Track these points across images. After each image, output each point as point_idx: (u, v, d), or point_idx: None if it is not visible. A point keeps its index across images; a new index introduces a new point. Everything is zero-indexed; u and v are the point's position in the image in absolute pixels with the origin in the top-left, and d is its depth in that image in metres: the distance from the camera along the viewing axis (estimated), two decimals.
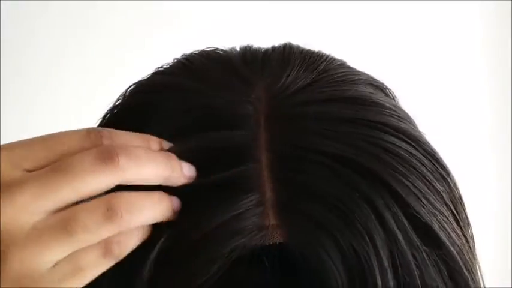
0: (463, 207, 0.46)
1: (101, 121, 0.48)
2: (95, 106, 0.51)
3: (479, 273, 0.45)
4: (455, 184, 0.46)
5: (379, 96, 0.47)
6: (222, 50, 0.51)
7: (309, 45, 0.51)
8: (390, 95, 0.51)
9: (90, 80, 1.27)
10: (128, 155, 0.39)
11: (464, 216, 0.46)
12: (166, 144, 0.42)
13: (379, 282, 0.39)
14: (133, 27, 1.34)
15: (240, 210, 0.40)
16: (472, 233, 0.47)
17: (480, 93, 1.47)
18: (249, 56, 0.49)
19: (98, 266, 0.39)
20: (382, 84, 0.50)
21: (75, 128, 0.41)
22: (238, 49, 0.51)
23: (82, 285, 0.38)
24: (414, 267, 0.40)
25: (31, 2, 1.30)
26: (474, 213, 0.50)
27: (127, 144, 0.40)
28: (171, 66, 0.50)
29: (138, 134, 0.42)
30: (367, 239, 0.39)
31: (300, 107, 0.44)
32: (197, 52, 0.51)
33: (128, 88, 0.49)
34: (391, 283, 0.39)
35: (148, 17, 1.34)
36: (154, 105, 0.45)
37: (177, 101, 0.44)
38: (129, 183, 0.39)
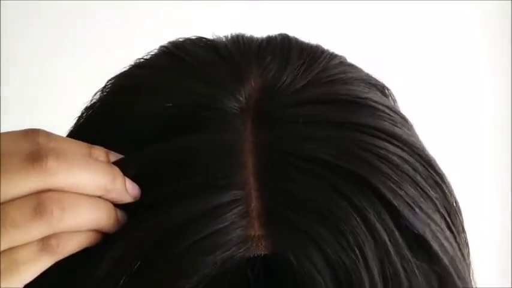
0: (457, 213, 0.45)
1: (78, 119, 0.47)
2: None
3: (472, 281, 0.44)
4: (449, 190, 0.44)
5: (374, 97, 0.45)
6: (208, 38, 0.48)
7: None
8: (388, 94, 0.49)
9: (90, 79, 1.27)
10: (58, 157, 0.37)
11: (458, 222, 0.45)
12: (114, 156, 0.41)
13: None
14: (133, 26, 1.33)
15: (225, 224, 0.38)
16: (466, 238, 0.46)
17: (481, 93, 1.47)
18: (242, 47, 0.47)
19: (36, 261, 0.38)
20: (380, 83, 0.48)
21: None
22: (229, 37, 0.48)
23: (21, 283, 0.38)
24: (404, 279, 0.39)
25: (31, 2, 1.30)
26: (474, 213, 0.49)
27: (62, 148, 0.39)
28: (153, 57, 0.48)
29: (79, 141, 0.41)
30: (357, 251, 0.38)
31: (290, 109, 0.42)
32: (182, 41, 0.48)
33: (106, 84, 0.47)
34: None
35: (149, 15, 1.34)
36: (127, 107, 0.43)
37: (155, 101, 0.43)
38: (61, 189, 0.38)
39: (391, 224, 0.39)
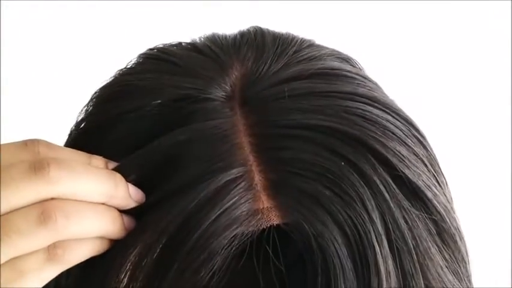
0: (440, 167, 0.47)
1: (70, 134, 0.48)
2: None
3: (463, 234, 0.45)
4: (430, 147, 0.46)
5: (348, 67, 0.48)
6: (186, 41, 0.50)
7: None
8: (355, 64, 0.51)
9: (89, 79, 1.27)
10: (60, 165, 0.38)
11: (442, 177, 0.46)
12: (113, 164, 0.41)
13: (377, 248, 0.39)
14: (132, 25, 1.34)
15: (232, 200, 0.39)
16: (450, 191, 0.47)
17: (481, 93, 1.47)
18: (220, 43, 0.48)
19: (42, 270, 0.38)
20: (345, 55, 0.51)
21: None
22: (204, 37, 0.50)
23: None
24: (406, 229, 0.40)
25: (31, 2, 1.30)
26: (474, 213, 0.50)
27: (63, 158, 0.39)
28: (135, 64, 0.49)
29: (78, 151, 0.41)
30: (360, 205, 0.39)
31: (273, 88, 0.44)
32: (161, 46, 0.50)
33: (92, 97, 0.48)
34: (387, 248, 0.40)
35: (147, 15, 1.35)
36: (117, 113, 0.44)
37: (143, 101, 0.43)
38: (64, 197, 0.38)
39: (386, 177, 0.41)
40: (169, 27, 1.34)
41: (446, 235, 0.43)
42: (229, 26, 0.53)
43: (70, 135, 0.48)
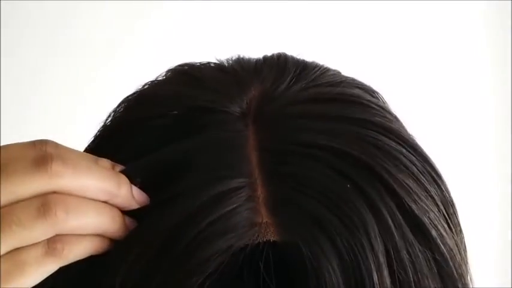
0: (454, 212, 0.45)
1: (93, 139, 0.48)
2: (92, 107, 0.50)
3: (470, 283, 0.44)
4: (446, 189, 0.45)
5: (367, 97, 0.47)
6: (213, 61, 0.51)
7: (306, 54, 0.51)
8: (378, 97, 0.50)
9: (89, 79, 1.28)
10: (63, 161, 0.39)
11: (456, 221, 0.45)
12: (119, 167, 0.42)
13: (375, 279, 0.38)
14: (131, 25, 1.34)
15: (231, 207, 0.39)
16: (464, 239, 0.46)
17: (481, 93, 1.47)
18: (243, 64, 0.49)
19: (41, 264, 0.38)
20: (371, 88, 0.50)
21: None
22: (231, 58, 0.51)
23: (25, 286, 0.38)
24: (408, 263, 0.39)
25: (31, 2, 1.30)
26: (474, 214, 0.50)
27: (70, 156, 0.40)
28: (162, 77, 0.49)
29: (87, 153, 0.42)
30: (362, 232, 0.38)
31: (287, 108, 0.44)
32: (189, 62, 0.51)
33: (120, 103, 0.48)
34: (387, 279, 0.38)
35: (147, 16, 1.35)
36: (136, 121, 0.45)
37: (161, 110, 0.44)
38: (66, 191, 0.39)
39: (392, 205, 0.40)
40: (174, 31, 1.34)
41: (446, 278, 0.42)
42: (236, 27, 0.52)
43: (95, 139, 0.48)
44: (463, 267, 0.44)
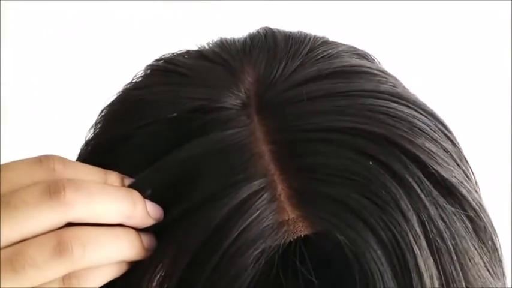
0: (467, 163, 0.45)
1: (84, 148, 0.46)
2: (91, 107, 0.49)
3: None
4: (457, 140, 0.44)
5: (366, 63, 0.46)
6: (193, 49, 0.47)
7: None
8: (372, 59, 0.49)
9: (88, 80, 1.27)
10: (77, 188, 0.36)
11: (471, 173, 0.44)
12: (129, 180, 0.39)
13: (416, 251, 0.37)
14: (131, 25, 1.33)
15: (255, 214, 0.37)
16: (479, 188, 0.45)
17: (480, 93, 1.47)
18: (228, 48, 0.46)
19: None
20: (364, 51, 0.48)
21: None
22: (211, 43, 0.48)
23: None
24: (444, 228, 0.38)
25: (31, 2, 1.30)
26: None
27: (79, 176, 0.37)
28: (143, 77, 0.46)
29: (95, 167, 0.39)
30: (393, 207, 0.37)
31: (291, 91, 0.41)
32: (169, 56, 0.47)
33: (101, 113, 0.45)
34: (427, 250, 0.37)
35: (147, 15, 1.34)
36: (131, 129, 0.42)
37: (157, 115, 0.42)
38: (82, 221, 0.36)
39: (419, 174, 0.39)
40: (169, 29, 1.34)
41: (482, 233, 0.41)
42: (233, 26, 0.50)
43: (80, 155, 0.46)
44: (489, 215, 0.43)
